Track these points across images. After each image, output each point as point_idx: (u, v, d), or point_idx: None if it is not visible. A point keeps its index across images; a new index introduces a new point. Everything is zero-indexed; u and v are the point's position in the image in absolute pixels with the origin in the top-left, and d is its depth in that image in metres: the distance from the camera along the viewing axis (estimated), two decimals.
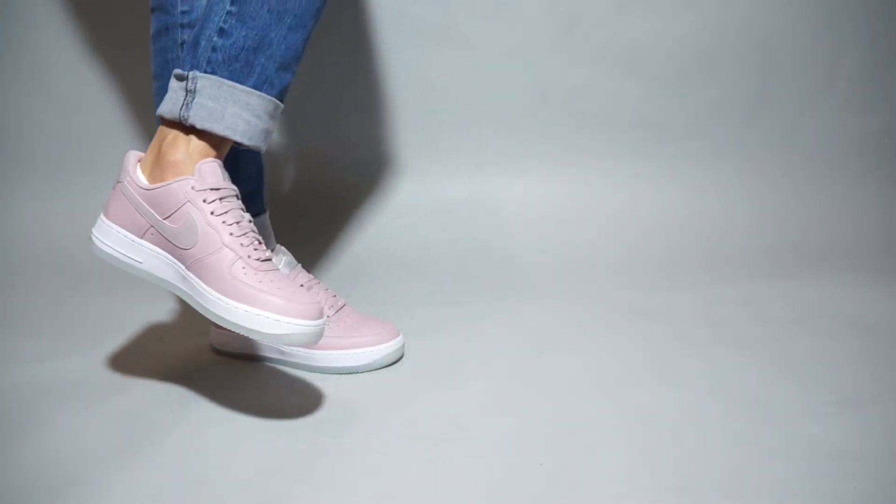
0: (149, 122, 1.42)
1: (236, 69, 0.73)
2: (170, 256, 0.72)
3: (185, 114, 0.73)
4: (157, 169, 0.74)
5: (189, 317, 1.07)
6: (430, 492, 0.63)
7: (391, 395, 0.82)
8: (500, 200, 1.42)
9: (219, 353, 0.93)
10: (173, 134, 0.74)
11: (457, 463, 0.67)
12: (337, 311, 0.90)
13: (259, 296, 0.68)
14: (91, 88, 1.40)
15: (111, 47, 1.38)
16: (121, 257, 0.74)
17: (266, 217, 0.96)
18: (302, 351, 0.87)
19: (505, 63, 1.42)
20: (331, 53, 1.40)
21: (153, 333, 1.00)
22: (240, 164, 0.89)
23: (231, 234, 0.71)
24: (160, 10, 0.83)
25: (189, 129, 0.74)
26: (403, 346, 0.91)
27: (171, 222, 0.71)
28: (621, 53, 1.42)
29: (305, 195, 1.44)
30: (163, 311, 1.09)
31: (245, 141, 0.74)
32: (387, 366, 0.88)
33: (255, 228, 0.74)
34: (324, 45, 1.39)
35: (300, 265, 0.93)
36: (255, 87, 0.74)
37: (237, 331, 0.69)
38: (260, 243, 0.73)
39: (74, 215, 1.40)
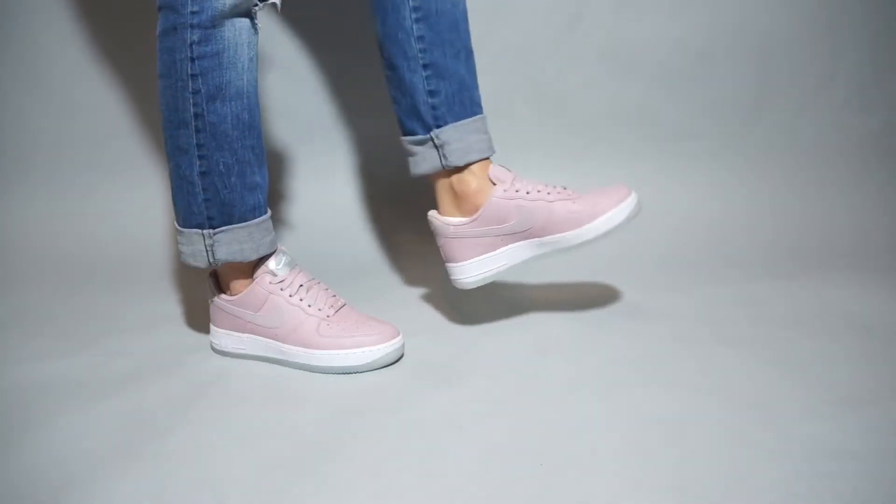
0: (148, 121, 1.42)
1: (457, 112, 0.96)
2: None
3: (447, 162, 0.96)
4: (466, 203, 0.97)
5: (188, 317, 1.07)
6: (430, 492, 0.63)
7: (391, 395, 0.82)
8: None
9: (219, 353, 0.93)
10: (456, 177, 0.97)
11: (457, 463, 0.67)
12: (336, 311, 0.90)
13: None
14: (91, 89, 1.40)
15: (111, 47, 1.38)
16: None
17: (268, 218, 0.96)
18: (302, 351, 0.87)
19: (505, 63, 1.42)
20: (332, 54, 1.40)
21: (153, 333, 1.00)
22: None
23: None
24: (168, 9, 0.84)
25: (453, 171, 0.97)
26: (403, 345, 0.91)
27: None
28: (621, 53, 1.42)
29: (306, 195, 1.44)
30: (163, 312, 1.09)
31: (489, 154, 0.98)
32: (387, 365, 0.88)
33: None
34: (324, 48, 1.39)
35: (299, 265, 0.94)
36: (474, 115, 0.98)
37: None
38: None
39: (74, 215, 1.40)
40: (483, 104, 1.42)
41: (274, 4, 0.87)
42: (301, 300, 0.89)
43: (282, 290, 0.89)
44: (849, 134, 1.50)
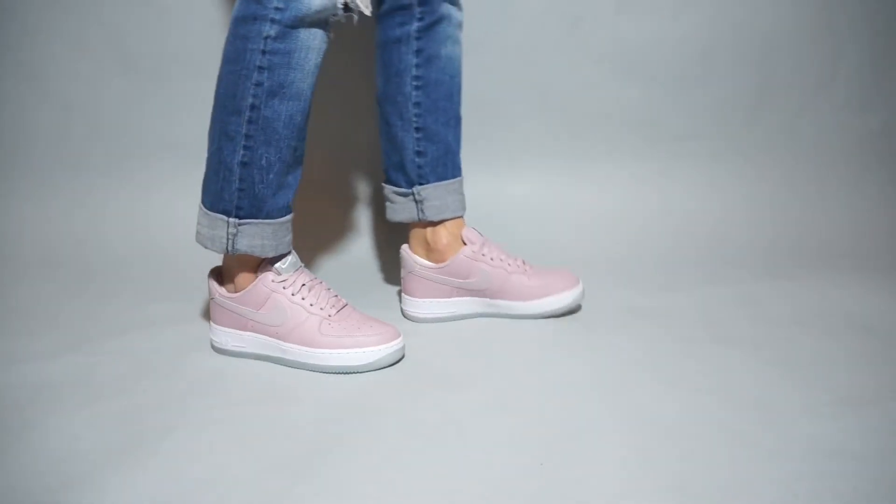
0: (148, 121, 1.42)
1: (439, 172, 1.06)
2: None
3: (424, 217, 1.06)
4: (435, 253, 1.06)
5: (188, 317, 1.07)
6: (429, 492, 0.63)
7: (391, 395, 0.82)
8: (499, 200, 1.42)
9: (219, 351, 0.93)
10: (430, 230, 1.07)
11: (457, 463, 0.67)
12: (338, 311, 0.90)
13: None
14: (90, 89, 1.40)
15: (111, 47, 1.38)
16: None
17: (290, 219, 0.97)
18: (303, 349, 0.87)
19: (506, 64, 1.42)
20: (334, 55, 1.39)
21: (153, 333, 1.00)
22: None
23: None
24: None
25: (428, 224, 1.07)
26: (404, 346, 0.91)
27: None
28: (621, 54, 1.42)
29: (308, 195, 1.44)
30: (163, 312, 1.09)
31: (461, 213, 1.08)
32: (388, 366, 0.88)
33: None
34: (335, 52, 1.39)
35: (303, 265, 0.94)
36: (454, 177, 1.08)
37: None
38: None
39: (73, 215, 1.40)
40: (484, 104, 1.43)
41: (350, 17, 0.89)
42: (303, 299, 0.89)
43: (284, 288, 0.89)
44: (849, 134, 1.50)
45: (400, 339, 0.90)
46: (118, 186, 1.43)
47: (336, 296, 0.92)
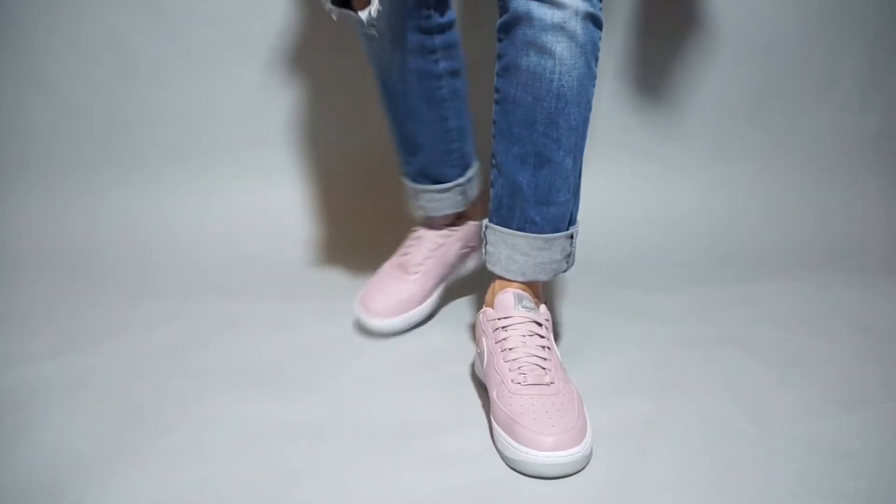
0: (148, 121, 1.42)
1: (502, 216, 0.82)
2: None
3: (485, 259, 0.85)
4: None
5: (187, 317, 1.07)
6: (430, 492, 0.63)
7: (391, 395, 0.82)
8: None
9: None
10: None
11: (457, 463, 0.67)
12: None
13: (509, 422, 0.68)
14: (90, 88, 1.40)
15: (109, 47, 1.38)
16: None
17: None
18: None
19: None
20: (337, 56, 1.40)
21: (153, 333, 1.00)
22: None
23: (504, 359, 0.73)
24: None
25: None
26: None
27: (479, 348, 0.80)
28: (622, 54, 1.42)
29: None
30: (162, 312, 1.09)
31: (520, 278, 0.81)
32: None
33: (539, 354, 0.74)
34: (334, 49, 1.39)
35: None
36: (518, 229, 0.80)
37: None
38: (539, 367, 0.73)
39: (74, 215, 1.40)
40: (483, 105, 1.41)
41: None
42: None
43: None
44: (849, 134, 1.49)
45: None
46: (116, 186, 1.43)
47: None
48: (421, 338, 0.98)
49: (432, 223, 1.06)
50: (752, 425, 0.73)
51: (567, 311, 1.08)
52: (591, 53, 0.75)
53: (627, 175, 1.47)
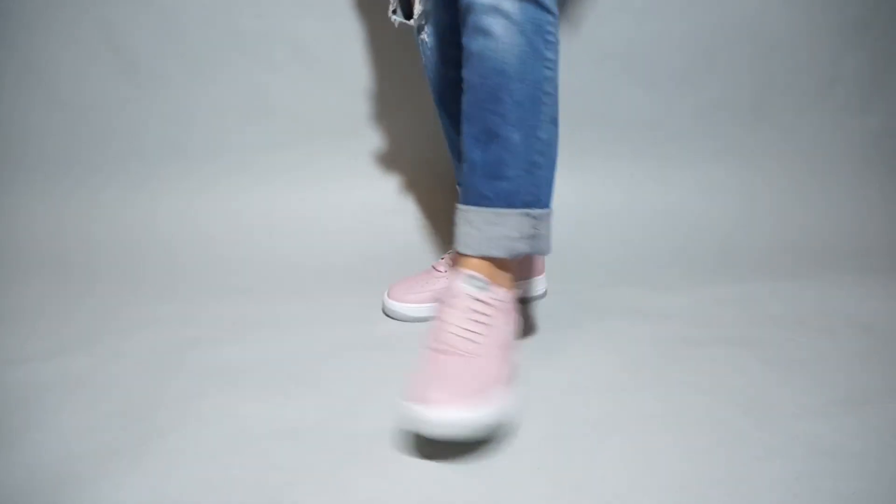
0: (148, 121, 1.42)
1: (461, 193, 0.86)
2: None
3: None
4: None
5: (187, 317, 1.07)
6: (428, 493, 0.63)
7: (391, 395, 0.82)
8: None
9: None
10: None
11: (457, 463, 0.67)
12: None
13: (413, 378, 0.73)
14: (91, 89, 1.40)
15: (110, 47, 1.38)
16: None
17: None
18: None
19: None
20: (339, 57, 1.40)
21: (153, 333, 1.00)
22: None
23: (434, 326, 0.78)
24: None
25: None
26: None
27: None
28: (622, 54, 1.42)
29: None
30: (163, 312, 1.09)
31: (461, 250, 0.84)
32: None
33: (463, 325, 0.77)
34: (332, 50, 1.39)
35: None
36: (463, 203, 0.85)
37: None
38: (456, 336, 0.76)
39: (72, 215, 1.40)
40: None
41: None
42: None
43: None
44: (848, 135, 1.50)
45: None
46: (114, 186, 1.43)
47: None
48: (426, 335, 0.98)
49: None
50: (752, 425, 0.73)
51: (567, 310, 1.08)
52: (532, 33, 0.78)
53: (627, 175, 1.47)
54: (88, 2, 1.36)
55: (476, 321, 0.77)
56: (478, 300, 0.78)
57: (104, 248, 1.35)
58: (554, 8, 0.81)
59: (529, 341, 0.97)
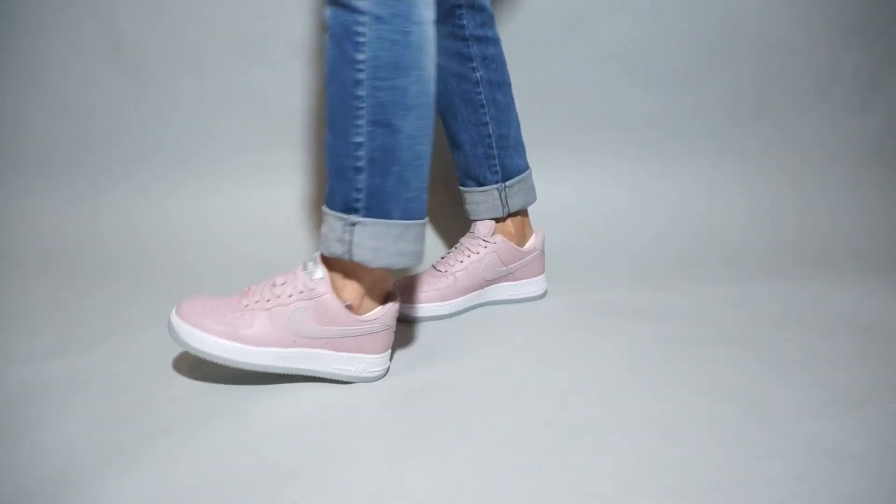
0: (148, 121, 1.42)
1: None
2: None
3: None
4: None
5: None
6: (428, 493, 0.63)
7: (391, 395, 0.82)
8: None
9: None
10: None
11: (456, 463, 0.67)
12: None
13: None
14: (89, 88, 1.40)
15: (110, 47, 1.38)
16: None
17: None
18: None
19: (507, 64, 1.42)
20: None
21: (153, 333, 1.00)
22: None
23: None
24: None
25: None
26: None
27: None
28: (622, 54, 1.42)
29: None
30: (163, 312, 1.09)
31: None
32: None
33: (262, 290, 0.85)
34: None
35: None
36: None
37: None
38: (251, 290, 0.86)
39: (72, 215, 1.40)
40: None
41: None
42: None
43: None
44: (848, 134, 1.50)
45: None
46: (116, 186, 1.43)
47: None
48: (426, 336, 0.98)
49: (473, 236, 1.11)
50: (752, 425, 0.73)
51: (567, 310, 1.08)
52: (341, 37, 0.78)
53: (627, 175, 1.47)
54: (92, 4, 1.36)
55: (278, 295, 0.82)
56: (282, 277, 0.84)
57: (108, 249, 1.35)
58: (367, 6, 0.76)
59: (529, 341, 0.97)
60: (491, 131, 1.07)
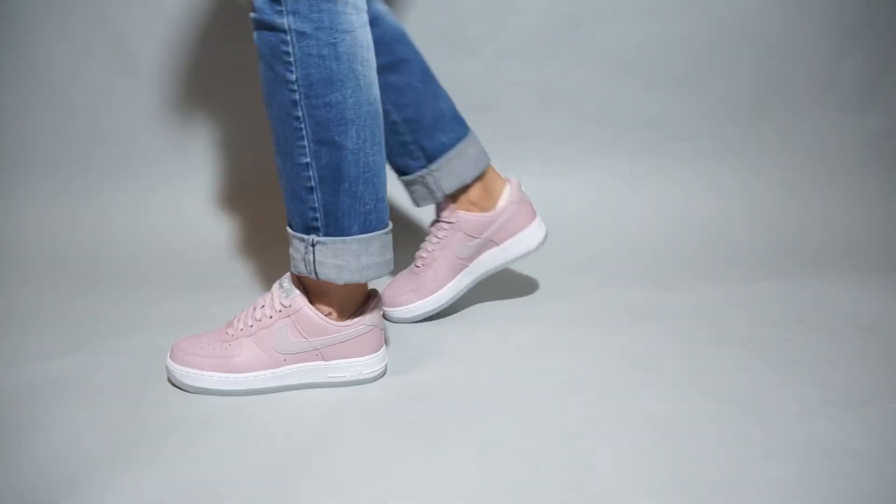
0: (148, 121, 1.42)
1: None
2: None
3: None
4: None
5: (189, 317, 1.07)
6: (429, 492, 0.63)
7: (391, 395, 0.82)
8: None
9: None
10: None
11: (456, 463, 0.67)
12: None
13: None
14: (93, 90, 1.40)
15: (113, 48, 1.38)
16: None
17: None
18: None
19: (506, 64, 1.42)
20: None
21: (153, 333, 1.00)
22: None
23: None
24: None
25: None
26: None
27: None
28: (622, 54, 1.42)
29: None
30: (163, 312, 1.09)
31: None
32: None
33: (247, 314, 0.86)
34: None
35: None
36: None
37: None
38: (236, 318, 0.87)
39: (74, 216, 1.40)
40: (485, 105, 1.40)
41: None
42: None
43: None
44: (848, 135, 1.50)
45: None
46: (120, 187, 1.43)
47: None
48: (426, 334, 0.98)
49: (436, 220, 1.07)
50: (752, 425, 0.73)
51: (567, 310, 1.08)
52: (271, 58, 0.76)
53: (627, 175, 1.47)
54: (92, 3, 1.36)
55: (258, 318, 0.83)
56: (264, 300, 0.84)
57: (104, 249, 1.35)
58: (289, 23, 0.74)
59: (529, 341, 0.97)
60: (396, 118, 1.00)
